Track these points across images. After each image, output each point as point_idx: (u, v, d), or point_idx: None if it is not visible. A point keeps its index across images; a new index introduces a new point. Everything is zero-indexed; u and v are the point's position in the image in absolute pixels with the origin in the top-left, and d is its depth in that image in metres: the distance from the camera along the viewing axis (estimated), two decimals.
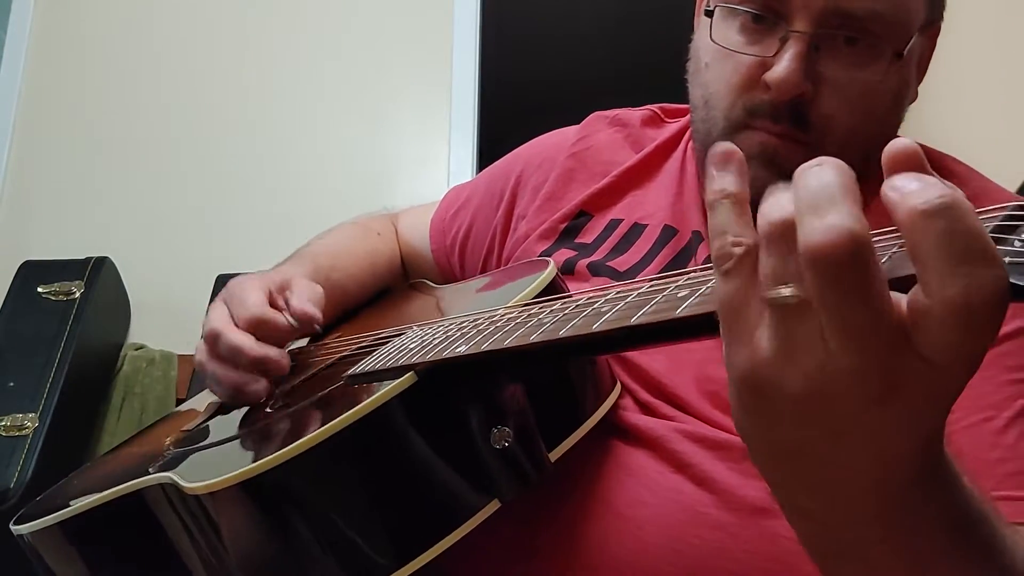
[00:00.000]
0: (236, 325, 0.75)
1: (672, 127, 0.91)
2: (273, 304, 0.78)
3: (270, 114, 2.58)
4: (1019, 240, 0.32)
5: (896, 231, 0.35)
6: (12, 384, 1.96)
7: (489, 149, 2.64)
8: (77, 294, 2.14)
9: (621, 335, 0.44)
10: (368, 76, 2.61)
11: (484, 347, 0.52)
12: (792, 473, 0.39)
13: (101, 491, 0.70)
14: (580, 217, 0.86)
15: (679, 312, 0.40)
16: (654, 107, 0.95)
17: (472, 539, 0.55)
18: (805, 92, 0.71)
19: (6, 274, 2.20)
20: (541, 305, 0.54)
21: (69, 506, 0.72)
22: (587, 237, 0.85)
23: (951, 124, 2.18)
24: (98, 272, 2.20)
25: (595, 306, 0.48)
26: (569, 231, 0.86)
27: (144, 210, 2.50)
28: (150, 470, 0.68)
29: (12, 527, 0.77)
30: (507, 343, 0.50)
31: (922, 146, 0.88)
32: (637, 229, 0.83)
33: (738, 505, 0.62)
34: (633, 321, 0.43)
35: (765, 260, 0.35)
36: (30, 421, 1.91)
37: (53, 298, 2.13)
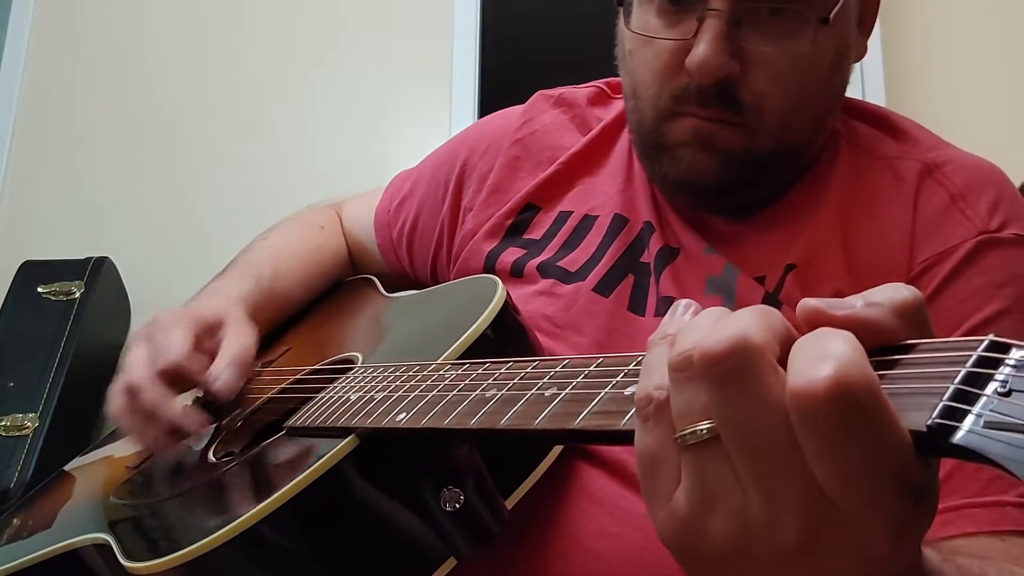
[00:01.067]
0: (156, 371, 0.70)
1: (619, 104, 0.86)
2: (200, 346, 0.73)
3: (270, 114, 2.58)
4: (995, 391, 0.29)
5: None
6: (12, 384, 1.96)
7: None
8: (77, 294, 2.14)
9: (560, 435, 0.42)
10: (368, 75, 2.61)
11: (423, 423, 0.50)
12: None
13: (40, 545, 0.69)
14: (527, 211, 0.82)
15: (624, 424, 0.38)
16: (600, 83, 0.90)
17: None
18: (731, 72, 0.67)
19: (6, 274, 2.20)
20: (486, 368, 0.51)
21: (13, 559, 0.72)
22: (535, 233, 0.81)
23: (951, 123, 2.18)
24: (98, 272, 2.20)
25: (538, 387, 0.45)
26: (516, 227, 0.82)
27: (144, 210, 2.50)
28: (92, 520, 0.67)
29: None
30: (446, 423, 0.48)
31: (871, 105, 0.85)
32: (587, 221, 0.79)
33: None
34: (575, 425, 0.41)
35: (674, 398, 0.34)
36: (30, 421, 1.91)
37: (53, 298, 2.13)
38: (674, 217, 0.77)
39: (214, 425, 0.74)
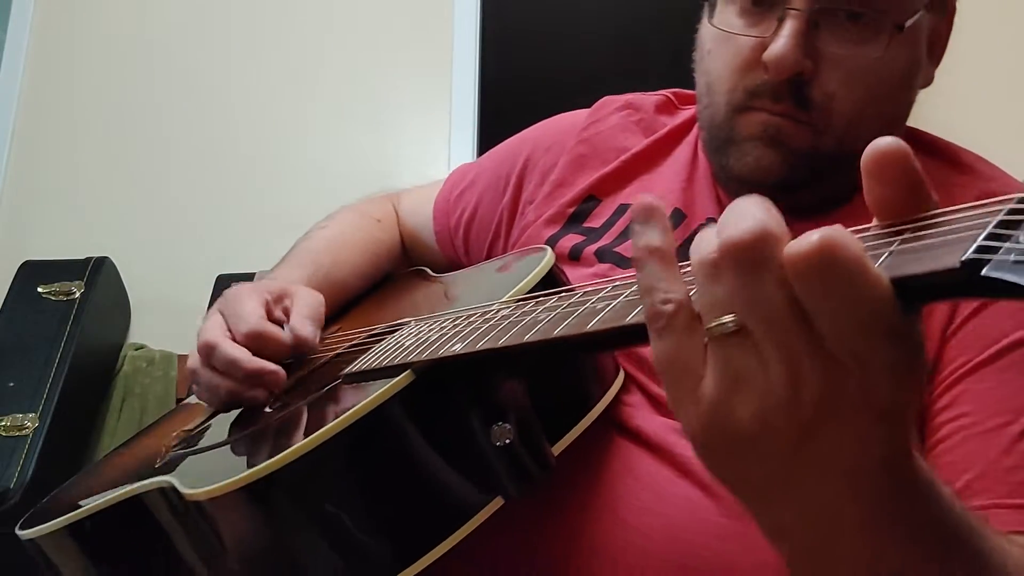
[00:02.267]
0: (232, 338, 0.73)
1: (685, 113, 0.90)
2: (271, 316, 0.76)
3: (270, 114, 2.58)
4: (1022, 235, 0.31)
5: (894, 228, 0.35)
6: (12, 384, 1.96)
7: (489, 149, 2.64)
8: (77, 294, 2.14)
9: (615, 335, 0.43)
10: (368, 76, 2.61)
11: (480, 346, 0.51)
12: (768, 507, 0.40)
13: (104, 494, 0.70)
14: (588, 202, 0.85)
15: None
16: (668, 92, 0.94)
17: (474, 544, 0.54)
18: (804, 70, 0.70)
19: (6, 274, 2.20)
20: (537, 301, 0.53)
21: (75, 510, 0.72)
22: (595, 222, 0.84)
23: (957, 121, 2.17)
24: (98, 272, 2.20)
25: (589, 304, 0.47)
26: (577, 216, 0.85)
27: (144, 210, 2.50)
28: (151, 472, 0.67)
29: (18, 532, 0.76)
30: (502, 342, 0.50)
31: (935, 137, 0.86)
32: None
33: (744, 512, 0.61)
34: (628, 321, 0.42)
35: (700, 296, 0.37)
36: (30, 421, 1.90)
37: (53, 298, 2.13)
38: None
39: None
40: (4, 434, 1.88)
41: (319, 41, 2.64)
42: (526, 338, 0.48)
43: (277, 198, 2.49)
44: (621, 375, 0.68)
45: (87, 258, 2.23)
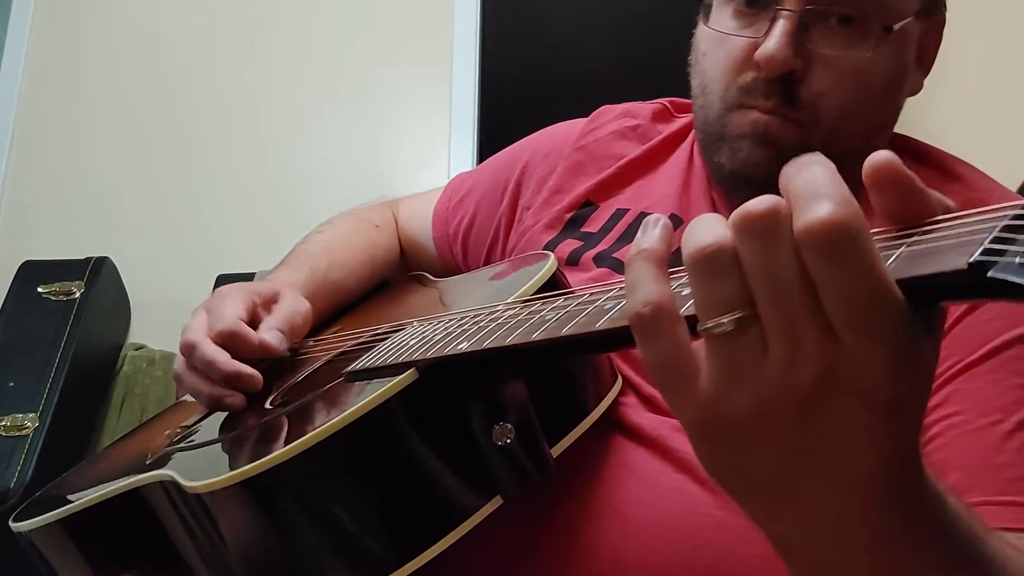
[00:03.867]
0: (212, 332, 0.74)
1: (681, 121, 0.92)
2: (255, 317, 0.78)
3: (270, 114, 2.58)
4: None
5: (902, 232, 0.36)
6: (12, 384, 1.96)
7: (489, 149, 2.63)
8: (77, 294, 2.14)
9: (625, 334, 0.43)
10: (368, 76, 2.61)
11: (486, 344, 0.51)
12: (769, 509, 0.40)
13: (100, 488, 0.70)
14: (585, 207, 0.87)
15: (684, 311, 0.40)
16: (664, 101, 0.95)
17: (472, 539, 0.55)
18: (795, 68, 0.72)
19: (6, 274, 2.20)
20: (543, 301, 0.54)
21: (69, 503, 0.72)
22: (592, 227, 0.85)
23: (952, 124, 2.18)
24: (98, 272, 2.20)
25: (598, 303, 0.47)
26: (574, 221, 0.86)
27: (144, 210, 2.50)
28: (149, 466, 0.67)
29: (12, 524, 0.77)
30: (509, 340, 0.50)
31: (926, 145, 0.87)
32: (643, 218, 0.82)
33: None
34: None
35: (698, 291, 0.37)
36: (30, 421, 1.91)
37: (53, 298, 2.13)
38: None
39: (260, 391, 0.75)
40: (4, 434, 1.89)
41: (319, 41, 2.64)
42: (534, 336, 0.48)
43: (277, 198, 2.49)
44: (619, 380, 0.68)
45: (87, 258, 2.23)
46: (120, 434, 2.04)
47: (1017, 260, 0.31)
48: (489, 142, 2.63)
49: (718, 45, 0.77)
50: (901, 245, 0.36)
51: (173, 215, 2.49)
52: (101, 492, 0.69)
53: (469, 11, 2.64)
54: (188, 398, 0.89)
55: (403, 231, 1.06)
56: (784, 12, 0.71)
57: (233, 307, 0.76)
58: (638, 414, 0.67)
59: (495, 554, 0.62)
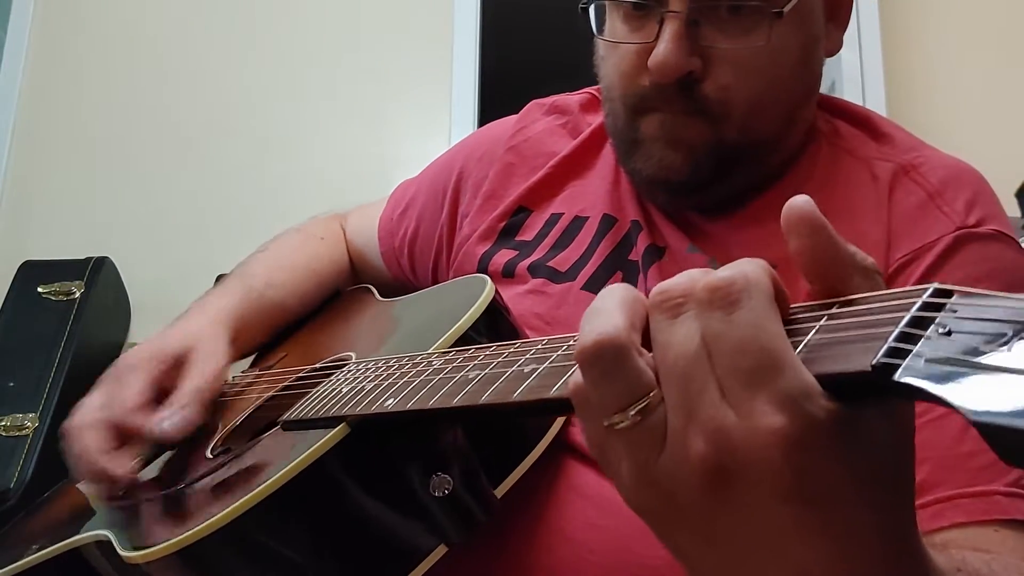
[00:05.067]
0: (100, 420, 0.72)
1: None
2: (164, 385, 0.75)
3: (270, 114, 2.58)
4: (936, 332, 0.30)
5: (821, 305, 0.36)
6: (12, 384, 1.96)
7: None
8: (77, 294, 2.14)
9: (538, 406, 0.43)
10: (368, 76, 2.61)
11: (409, 405, 0.51)
12: None
13: (44, 545, 0.70)
14: (519, 214, 0.85)
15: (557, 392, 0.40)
16: (592, 89, 0.92)
17: None
18: (694, 68, 0.70)
19: (6, 274, 2.20)
20: (468, 356, 0.53)
21: (14, 562, 0.72)
22: (527, 235, 0.83)
23: (950, 123, 2.18)
24: (98, 272, 2.20)
25: (517, 366, 0.46)
26: (508, 230, 0.84)
27: (144, 210, 2.50)
28: (88, 524, 0.67)
29: None
30: (431, 404, 0.50)
31: (853, 105, 0.86)
32: (577, 223, 0.81)
33: None
34: (550, 395, 0.42)
35: (592, 391, 0.36)
36: (30, 421, 1.91)
37: (53, 298, 2.13)
38: (659, 216, 0.78)
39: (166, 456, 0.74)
40: (4, 434, 1.89)
41: (319, 41, 2.64)
42: (454, 402, 0.48)
43: (277, 198, 2.49)
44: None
45: (87, 258, 2.23)
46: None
47: (919, 365, 0.29)
48: None
49: (612, 51, 0.75)
50: (821, 318, 0.35)
51: (173, 215, 2.49)
52: (44, 552, 0.69)
53: (469, 10, 2.64)
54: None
55: (351, 243, 1.04)
56: (670, 14, 0.69)
57: (133, 388, 0.73)
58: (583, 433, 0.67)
59: None
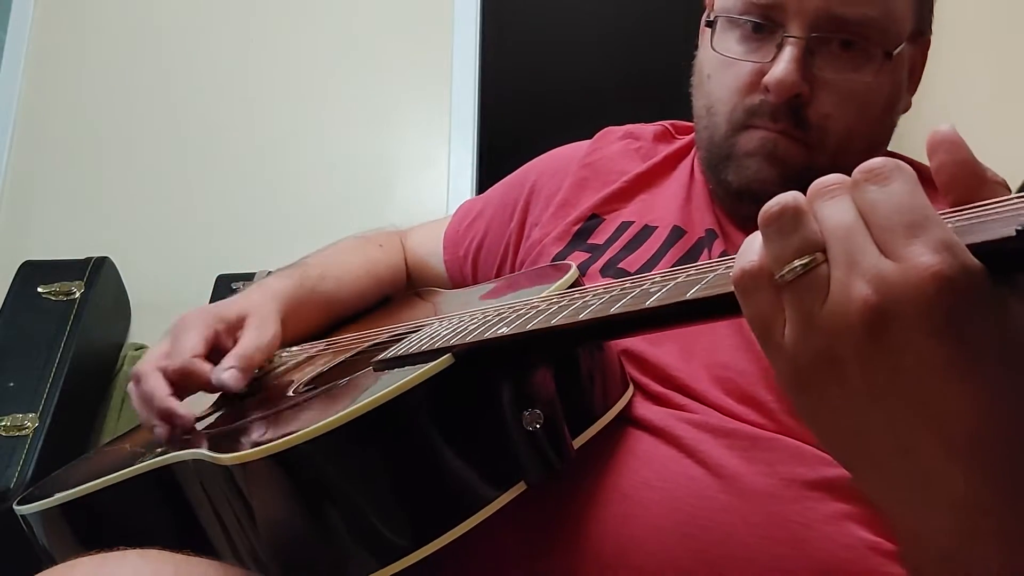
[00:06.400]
0: (163, 367, 0.77)
1: (681, 141, 0.95)
2: (219, 344, 0.80)
3: (270, 115, 2.58)
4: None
5: (953, 210, 0.40)
6: (12, 384, 1.96)
7: (489, 151, 2.65)
8: (77, 294, 2.14)
9: (673, 311, 0.46)
10: (369, 78, 2.61)
11: (529, 327, 0.53)
12: (881, 474, 0.41)
13: (112, 472, 0.70)
14: (592, 220, 0.89)
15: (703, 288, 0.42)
16: (666, 123, 0.99)
17: (492, 522, 0.56)
18: (802, 92, 0.75)
19: (6, 274, 2.20)
20: (583, 290, 0.55)
21: (79, 486, 0.73)
22: (599, 238, 0.87)
23: (950, 123, 2.17)
24: (98, 272, 2.20)
25: (641, 288, 0.50)
26: (581, 233, 0.89)
27: (144, 210, 2.50)
28: (161, 453, 0.68)
29: (16, 507, 0.77)
30: (554, 322, 0.52)
31: (919, 163, 0.89)
32: (647, 231, 0.86)
33: (746, 490, 0.63)
34: (689, 296, 0.45)
35: (769, 248, 0.40)
36: (30, 421, 1.91)
37: (53, 298, 2.13)
38: (734, 229, 0.83)
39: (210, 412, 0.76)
40: (4, 434, 1.89)
41: (319, 42, 2.64)
42: (581, 317, 0.50)
43: (277, 198, 2.50)
44: (631, 387, 0.71)
45: (87, 258, 2.23)
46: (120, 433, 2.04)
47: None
48: (489, 145, 2.63)
49: (725, 68, 0.80)
50: (961, 213, 0.39)
51: (173, 215, 2.49)
52: (116, 475, 0.70)
53: (469, 11, 2.64)
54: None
55: (411, 254, 1.09)
56: (791, 39, 0.75)
57: (192, 340, 0.78)
58: (645, 408, 0.69)
59: (514, 537, 0.63)
